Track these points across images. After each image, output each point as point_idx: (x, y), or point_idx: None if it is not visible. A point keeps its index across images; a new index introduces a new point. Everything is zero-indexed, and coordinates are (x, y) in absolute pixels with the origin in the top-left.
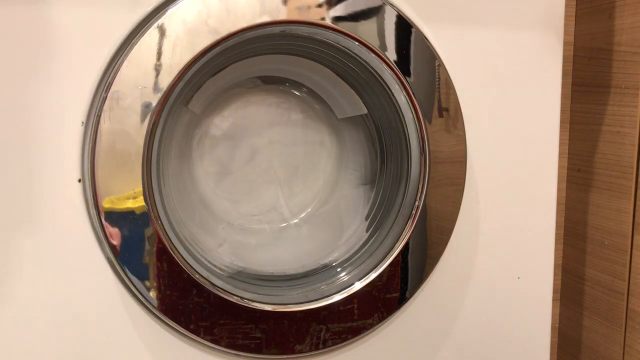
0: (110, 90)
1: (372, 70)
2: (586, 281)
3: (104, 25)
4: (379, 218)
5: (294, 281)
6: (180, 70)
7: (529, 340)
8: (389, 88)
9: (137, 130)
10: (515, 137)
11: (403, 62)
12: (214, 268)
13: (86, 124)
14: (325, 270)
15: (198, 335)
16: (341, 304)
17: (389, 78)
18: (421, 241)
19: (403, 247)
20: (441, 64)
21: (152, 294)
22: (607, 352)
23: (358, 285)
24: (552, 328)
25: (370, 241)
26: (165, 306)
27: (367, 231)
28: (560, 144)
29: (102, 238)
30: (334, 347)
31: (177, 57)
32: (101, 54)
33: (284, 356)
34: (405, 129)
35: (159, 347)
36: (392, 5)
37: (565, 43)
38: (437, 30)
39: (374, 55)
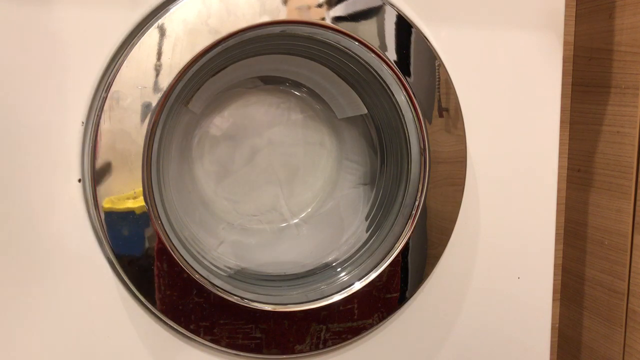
0: (110, 90)
1: (372, 70)
2: (586, 281)
3: (104, 25)
4: (379, 218)
5: (294, 281)
6: (180, 70)
7: (529, 340)
8: (389, 88)
9: (137, 130)
10: (515, 137)
11: (403, 62)
12: (214, 268)
13: (86, 124)
14: (325, 270)
15: (198, 335)
16: (341, 304)
17: (389, 78)
18: (421, 241)
19: (403, 247)
20: (441, 64)
21: (152, 294)
22: (607, 352)
23: (358, 285)
24: (552, 328)
25: (370, 241)
26: (165, 306)
27: (367, 231)
28: (560, 144)
29: (102, 238)
30: (334, 347)
31: (177, 57)
32: (101, 54)
33: (284, 356)
34: (405, 129)
35: (159, 347)
36: (392, 5)
37: (565, 43)
38: (437, 30)
39: (374, 55)
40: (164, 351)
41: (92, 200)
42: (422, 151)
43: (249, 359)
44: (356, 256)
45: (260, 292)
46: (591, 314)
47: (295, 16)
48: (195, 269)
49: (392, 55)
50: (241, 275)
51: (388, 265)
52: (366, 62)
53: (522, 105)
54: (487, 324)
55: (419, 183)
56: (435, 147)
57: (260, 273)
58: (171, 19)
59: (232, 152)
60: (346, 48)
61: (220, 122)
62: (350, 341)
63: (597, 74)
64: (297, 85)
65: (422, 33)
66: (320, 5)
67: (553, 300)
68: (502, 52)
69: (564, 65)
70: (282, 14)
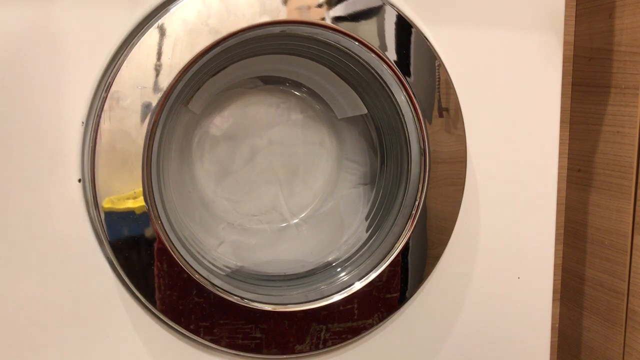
0: (110, 90)
1: (372, 70)
2: (586, 281)
3: (104, 25)
4: (379, 218)
5: (294, 281)
6: (180, 70)
7: (529, 340)
8: (389, 88)
9: (137, 130)
10: (515, 137)
11: (403, 62)
12: (214, 268)
13: (86, 124)
14: (325, 270)
15: (198, 335)
16: (341, 304)
17: (389, 78)
18: (421, 241)
19: (403, 247)
20: (441, 64)
21: (152, 294)
22: (607, 352)
23: (358, 285)
24: (552, 328)
25: (370, 241)
26: (165, 306)
27: (367, 231)
28: (560, 144)
29: (102, 238)
30: (334, 347)
31: (177, 57)
32: (101, 54)
33: (284, 356)
34: (405, 129)
35: (159, 347)
36: (392, 5)
37: (565, 43)
38: (437, 30)
39: (374, 55)
40: (164, 351)
41: (92, 200)
42: (422, 151)
43: (249, 359)
44: (356, 256)
45: (260, 292)
46: (591, 314)
47: (295, 16)
48: (195, 269)
49: (392, 55)
50: (241, 275)
51: (388, 265)
52: (366, 62)
53: (522, 105)
54: (487, 324)
55: (419, 183)
56: (435, 147)
57: (260, 273)
58: (171, 19)
59: (232, 152)
60: (346, 48)
61: (220, 122)
62: (350, 341)
63: (597, 74)
64: (297, 85)
65: (422, 33)
66: (320, 5)
67: (553, 300)
68: (502, 52)
69: (564, 65)
70: (282, 14)
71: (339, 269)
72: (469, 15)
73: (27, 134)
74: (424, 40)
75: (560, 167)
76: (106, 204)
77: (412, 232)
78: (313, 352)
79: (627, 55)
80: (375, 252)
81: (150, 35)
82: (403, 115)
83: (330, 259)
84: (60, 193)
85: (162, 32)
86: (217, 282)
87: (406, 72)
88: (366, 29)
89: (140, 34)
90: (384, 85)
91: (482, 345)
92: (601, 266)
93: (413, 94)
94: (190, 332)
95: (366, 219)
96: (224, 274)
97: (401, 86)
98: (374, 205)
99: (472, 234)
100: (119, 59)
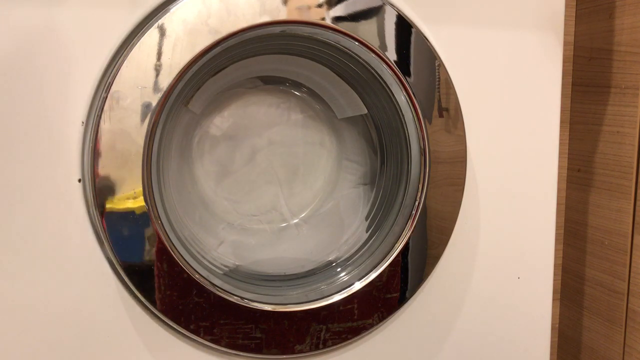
0: (110, 90)
1: (372, 70)
2: (586, 281)
3: (104, 25)
4: (379, 218)
5: (294, 281)
6: (180, 70)
7: (529, 340)
8: (389, 88)
9: (137, 130)
10: (515, 137)
11: (403, 62)
12: (214, 268)
13: (86, 124)
14: (325, 270)
15: (198, 335)
16: (341, 304)
17: (389, 78)
18: (421, 241)
19: (403, 247)
20: (441, 64)
21: (152, 294)
22: (607, 352)
23: (358, 285)
24: (552, 328)
25: (370, 241)
26: (165, 306)
27: (367, 231)
28: (560, 144)
29: (102, 238)
30: (334, 347)
31: (177, 57)
32: (101, 54)
33: (284, 356)
34: (405, 129)
35: (159, 347)
36: (392, 5)
37: (565, 43)
38: (437, 30)
39: (374, 55)
40: (164, 351)
41: (92, 200)
42: (422, 151)
43: (249, 359)
44: (356, 256)
45: (260, 292)
46: (591, 314)
47: (295, 16)
48: (195, 269)
49: (392, 55)
50: (241, 275)
51: (388, 265)
52: (366, 62)
53: (522, 105)
54: (487, 324)
55: (419, 183)
56: (435, 147)
57: (260, 273)
58: (171, 19)
59: (232, 152)
60: (346, 48)
61: (220, 122)
62: (350, 341)
63: (597, 74)
64: (297, 85)
65: (422, 33)
66: (320, 5)
67: (553, 300)
68: (502, 52)
69: (564, 65)
70: (282, 14)
71: (339, 269)
72: (469, 15)
73: (28, 133)
74: (424, 40)
75: (560, 167)
76: (106, 204)
77: (412, 232)
78: (313, 352)
79: (627, 55)
80: (375, 252)
81: (150, 35)
82: (403, 115)
83: (330, 258)
84: (60, 193)
85: (162, 32)
86: (217, 282)
87: (406, 72)
88: (366, 29)
89: (140, 34)
90: (384, 85)
91: (482, 345)
92: (601, 266)
93: (413, 94)
94: (190, 332)
95: (366, 219)
96: (222, 272)
97: (401, 86)
98: (374, 205)
99: (472, 234)
100: (119, 59)
